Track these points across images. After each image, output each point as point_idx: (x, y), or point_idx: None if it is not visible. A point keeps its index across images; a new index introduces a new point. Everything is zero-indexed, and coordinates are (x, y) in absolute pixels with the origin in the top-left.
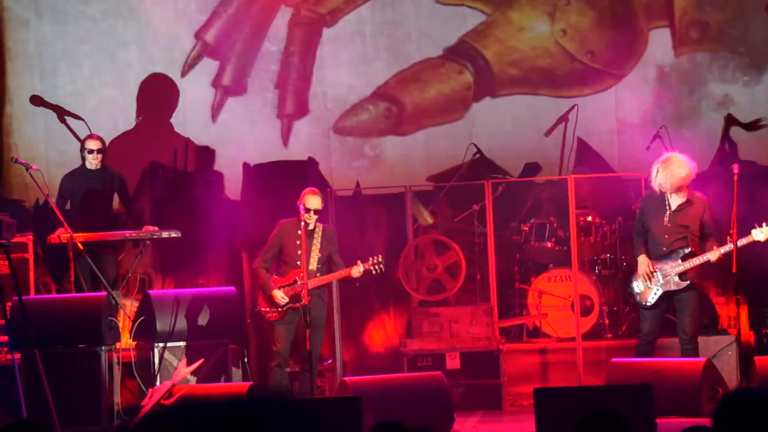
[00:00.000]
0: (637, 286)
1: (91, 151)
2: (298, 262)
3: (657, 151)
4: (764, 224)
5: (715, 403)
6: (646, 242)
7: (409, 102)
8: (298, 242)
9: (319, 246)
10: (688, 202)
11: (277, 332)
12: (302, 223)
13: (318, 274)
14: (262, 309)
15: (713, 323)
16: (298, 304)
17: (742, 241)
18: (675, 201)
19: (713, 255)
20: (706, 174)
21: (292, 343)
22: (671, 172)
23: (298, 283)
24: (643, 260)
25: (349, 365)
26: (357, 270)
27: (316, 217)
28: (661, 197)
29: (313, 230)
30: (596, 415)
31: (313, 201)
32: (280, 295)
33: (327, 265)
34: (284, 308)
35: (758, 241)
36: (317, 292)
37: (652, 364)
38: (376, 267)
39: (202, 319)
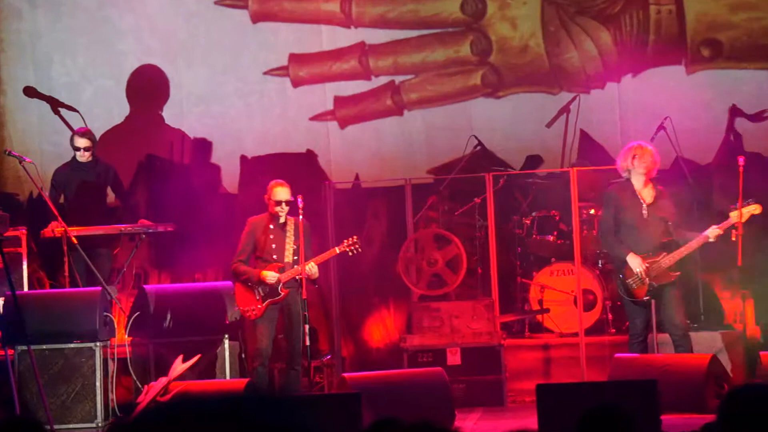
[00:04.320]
0: (633, 283)
1: (78, 149)
2: (274, 256)
3: (661, 142)
4: (747, 203)
5: (721, 399)
6: (622, 239)
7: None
8: (271, 236)
9: (293, 238)
10: (659, 194)
11: (258, 331)
12: (279, 217)
13: (295, 267)
14: (241, 308)
15: (718, 318)
16: (278, 298)
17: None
18: (647, 194)
19: (711, 233)
20: (711, 166)
21: (274, 340)
22: (652, 158)
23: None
24: (634, 259)
25: (348, 361)
26: (312, 266)
27: (286, 209)
28: (631, 191)
29: (285, 223)
30: (599, 411)
31: (281, 193)
32: (271, 274)
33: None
34: (265, 303)
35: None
36: (293, 284)
37: (656, 359)
38: (353, 248)
39: (199, 315)
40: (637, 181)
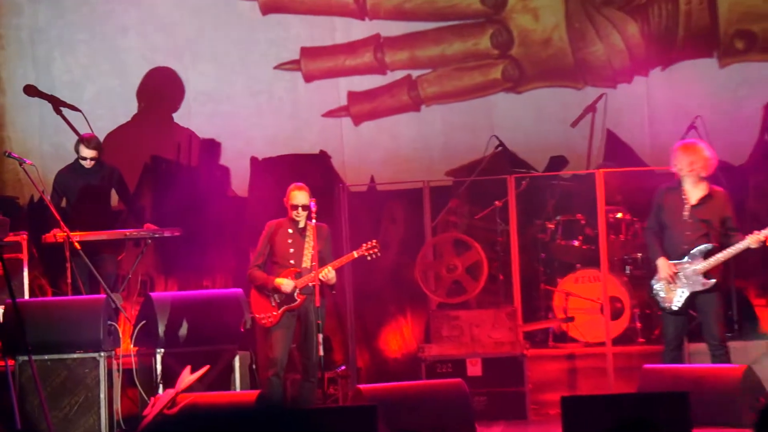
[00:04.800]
0: (661, 289)
1: (83, 159)
2: (291, 261)
3: None
4: None
5: (757, 413)
6: (662, 241)
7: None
8: (289, 241)
9: (312, 243)
10: (708, 197)
11: (273, 339)
12: (298, 222)
13: (312, 273)
14: (256, 315)
15: (753, 327)
16: (294, 305)
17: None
18: (694, 195)
19: (752, 240)
20: (745, 167)
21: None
22: (698, 156)
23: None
24: (663, 263)
25: (363, 372)
26: (328, 271)
27: (305, 213)
28: (679, 191)
29: (305, 228)
30: (628, 425)
31: (298, 196)
32: (286, 282)
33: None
34: (281, 309)
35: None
36: (310, 291)
37: (688, 370)
38: (372, 253)
39: (208, 323)
40: (688, 182)
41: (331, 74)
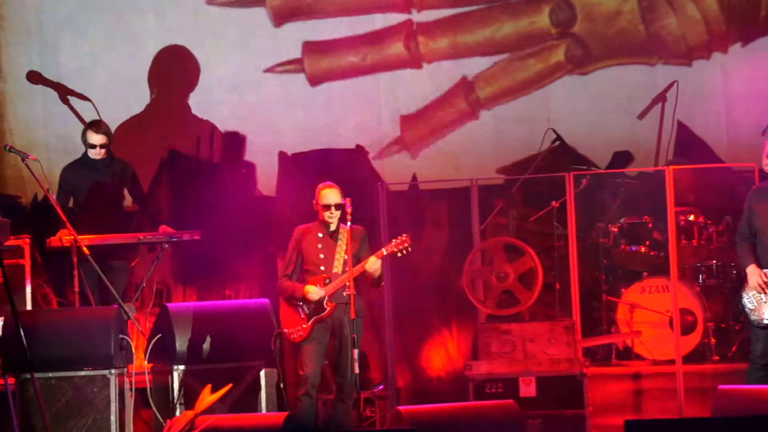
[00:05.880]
0: (749, 301)
1: (93, 146)
2: (322, 267)
3: None
4: None
5: None
6: (755, 248)
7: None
8: (319, 245)
9: (344, 247)
10: None
11: (304, 354)
12: (330, 224)
13: (343, 276)
14: (285, 330)
15: None
16: (324, 314)
17: None
18: None
19: None
20: None
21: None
22: None
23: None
24: (753, 271)
25: (403, 392)
26: (373, 263)
27: (337, 213)
28: None
29: (337, 230)
30: None
31: (329, 195)
32: (314, 290)
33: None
34: (311, 321)
35: None
36: (343, 299)
37: None
38: (403, 249)
39: (231, 337)
40: None
41: (345, 73)
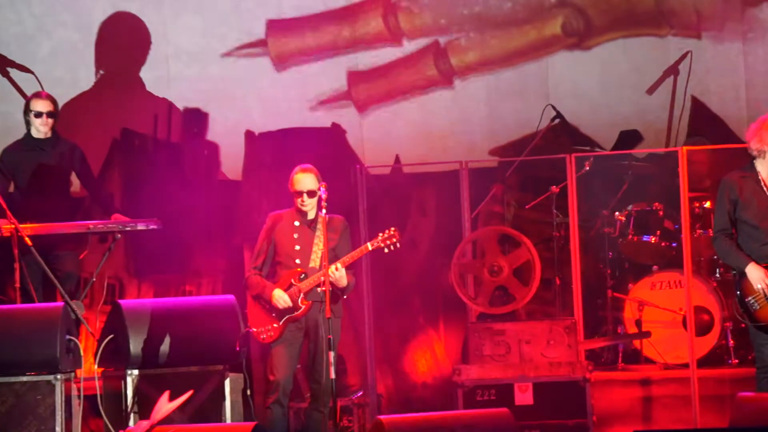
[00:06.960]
0: (754, 302)
1: (39, 114)
2: (297, 261)
3: None
4: None
5: None
6: (738, 244)
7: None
8: (295, 236)
9: (322, 238)
10: None
11: (275, 357)
12: (306, 213)
13: (317, 274)
14: (253, 330)
15: None
16: (297, 314)
17: None
18: None
19: None
20: None
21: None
22: None
23: (295, 286)
24: (756, 270)
25: (385, 399)
26: (333, 272)
27: (311, 201)
28: (754, 179)
29: (315, 219)
30: None
31: (302, 181)
32: (282, 297)
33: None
34: (282, 321)
35: None
36: (319, 297)
37: None
38: (390, 244)
39: (191, 338)
40: (765, 167)
41: (313, 52)
